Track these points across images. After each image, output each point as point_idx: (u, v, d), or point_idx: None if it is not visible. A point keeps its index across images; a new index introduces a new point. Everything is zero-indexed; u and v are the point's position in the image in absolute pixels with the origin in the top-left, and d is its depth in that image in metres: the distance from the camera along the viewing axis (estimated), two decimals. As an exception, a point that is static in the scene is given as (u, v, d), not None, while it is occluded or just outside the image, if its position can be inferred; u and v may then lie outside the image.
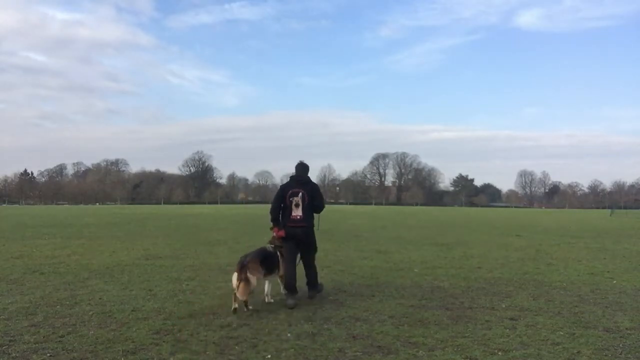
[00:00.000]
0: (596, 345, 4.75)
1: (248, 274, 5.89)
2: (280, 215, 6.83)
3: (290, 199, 6.74)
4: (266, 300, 6.46)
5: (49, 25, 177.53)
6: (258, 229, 20.64)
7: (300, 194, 6.74)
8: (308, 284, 6.89)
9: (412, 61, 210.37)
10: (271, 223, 6.86)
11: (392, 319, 5.63)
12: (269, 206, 6.91)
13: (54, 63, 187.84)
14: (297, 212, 6.71)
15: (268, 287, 6.52)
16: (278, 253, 6.64)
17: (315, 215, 6.97)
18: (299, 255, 6.79)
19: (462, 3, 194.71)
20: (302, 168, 7.09)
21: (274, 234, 6.76)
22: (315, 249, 7.02)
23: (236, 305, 5.91)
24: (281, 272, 6.60)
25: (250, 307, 6.00)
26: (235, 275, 5.95)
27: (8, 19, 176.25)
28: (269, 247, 6.66)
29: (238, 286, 5.83)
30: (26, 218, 30.75)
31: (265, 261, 6.32)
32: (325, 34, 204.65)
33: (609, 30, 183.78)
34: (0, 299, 6.52)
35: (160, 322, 5.42)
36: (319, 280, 7.08)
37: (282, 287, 6.62)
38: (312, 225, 6.90)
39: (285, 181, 7.46)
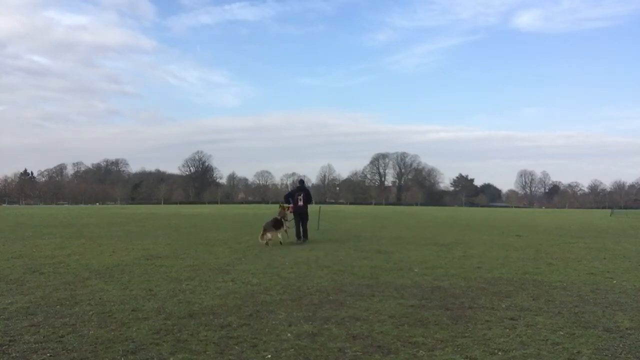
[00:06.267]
0: (596, 345, 4.75)
1: (267, 232, 13.35)
2: (292, 202, 14.87)
3: (297, 196, 14.83)
4: (280, 242, 13.74)
5: (54, 30, 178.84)
6: (258, 229, 20.61)
7: (302, 194, 14.88)
8: (303, 235, 14.59)
9: (411, 62, 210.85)
10: (286, 204, 15.00)
11: (392, 319, 5.63)
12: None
13: (57, 66, 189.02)
14: (300, 203, 14.70)
15: (280, 236, 13.94)
16: (283, 220, 14.12)
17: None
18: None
19: (461, 4, 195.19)
20: (301, 182, 16.25)
21: (288, 209, 14.69)
22: (307, 219, 14.87)
23: (265, 243, 13.18)
24: (284, 228, 14.14)
25: (269, 244, 13.19)
26: (260, 234, 13.50)
27: (14, 24, 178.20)
28: (278, 217, 14.08)
29: (263, 236, 13.32)
30: (26, 218, 30.74)
31: (276, 224, 13.79)
32: (324, 34, 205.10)
33: (607, 31, 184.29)
34: (0, 299, 6.51)
35: (160, 322, 5.41)
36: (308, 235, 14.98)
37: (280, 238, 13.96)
38: (307, 208, 14.89)
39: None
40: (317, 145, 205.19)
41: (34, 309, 5.95)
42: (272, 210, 45.62)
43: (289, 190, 16.79)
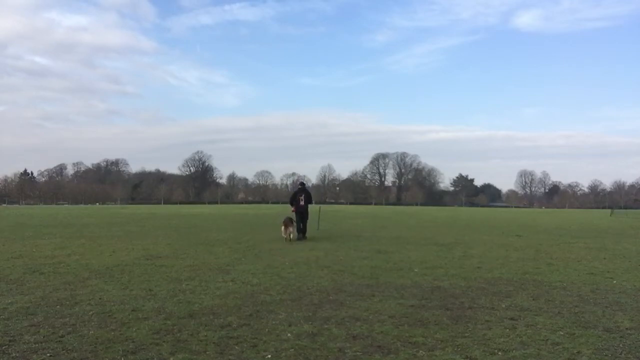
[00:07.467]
0: (596, 345, 4.75)
1: (290, 227, 14.81)
2: (295, 203, 16.40)
3: (299, 197, 16.34)
4: (292, 238, 14.93)
5: (54, 30, 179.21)
6: (259, 229, 20.63)
7: (303, 194, 16.43)
8: (302, 232, 15.96)
9: (411, 62, 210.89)
10: (290, 205, 16.93)
11: (392, 319, 5.63)
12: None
13: (58, 66, 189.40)
14: (302, 202, 16.22)
15: (293, 233, 15.21)
16: (293, 220, 15.63)
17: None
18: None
19: (461, 4, 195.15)
20: (302, 184, 18.03)
21: (293, 211, 16.29)
22: (307, 218, 16.43)
23: (286, 237, 14.70)
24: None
25: (289, 240, 14.73)
26: (283, 228, 14.85)
27: (15, 25, 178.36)
28: (290, 217, 15.40)
29: (287, 230, 14.73)
30: (26, 218, 30.74)
31: (291, 222, 15.06)
32: (324, 35, 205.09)
33: (607, 31, 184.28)
34: (0, 299, 6.51)
35: (160, 322, 5.42)
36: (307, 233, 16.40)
37: (288, 236, 14.95)
38: (308, 207, 16.42)
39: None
40: (317, 145, 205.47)
41: (34, 309, 5.95)
42: (272, 211, 45.69)
43: (290, 191, 21.31)
